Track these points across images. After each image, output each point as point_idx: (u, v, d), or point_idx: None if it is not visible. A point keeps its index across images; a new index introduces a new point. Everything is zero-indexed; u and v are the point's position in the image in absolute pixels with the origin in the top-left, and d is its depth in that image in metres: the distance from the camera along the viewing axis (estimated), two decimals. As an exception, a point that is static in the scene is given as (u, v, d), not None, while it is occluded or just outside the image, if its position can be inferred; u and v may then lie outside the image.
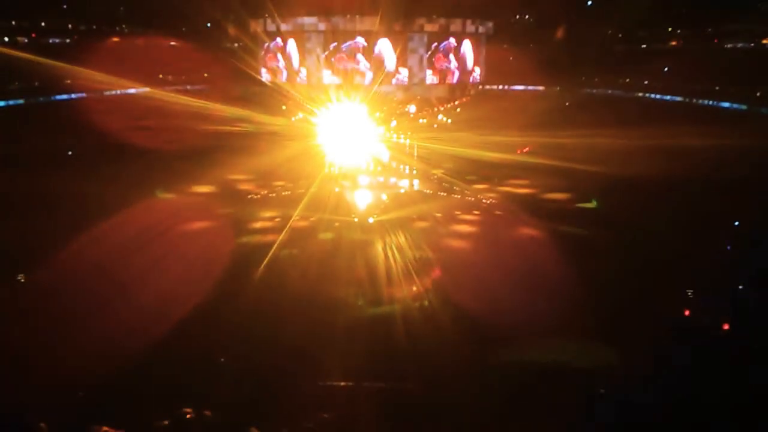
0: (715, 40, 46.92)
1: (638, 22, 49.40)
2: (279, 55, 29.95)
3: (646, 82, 49.59)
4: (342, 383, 14.26)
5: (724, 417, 11.32)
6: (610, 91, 51.65)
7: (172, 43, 58.37)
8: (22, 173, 26.68)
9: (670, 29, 51.01)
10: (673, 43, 51.34)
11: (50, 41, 47.70)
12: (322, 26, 27.94)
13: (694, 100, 44.53)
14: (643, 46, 54.06)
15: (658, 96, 48.06)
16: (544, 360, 15.52)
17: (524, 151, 27.62)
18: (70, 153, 35.91)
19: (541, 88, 58.89)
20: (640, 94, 49.45)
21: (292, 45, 29.15)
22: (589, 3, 52.97)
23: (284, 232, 25.96)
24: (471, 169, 35.72)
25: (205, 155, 34.78)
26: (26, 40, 45.43)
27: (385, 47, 27.82)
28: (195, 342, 16.18)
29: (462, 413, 11.96)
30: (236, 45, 58.93)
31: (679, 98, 45.78)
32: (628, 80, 50.69)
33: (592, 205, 31.39)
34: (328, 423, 10.46)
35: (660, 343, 16.05)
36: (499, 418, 11.64)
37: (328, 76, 28.41)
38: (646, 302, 18.79)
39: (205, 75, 58.51)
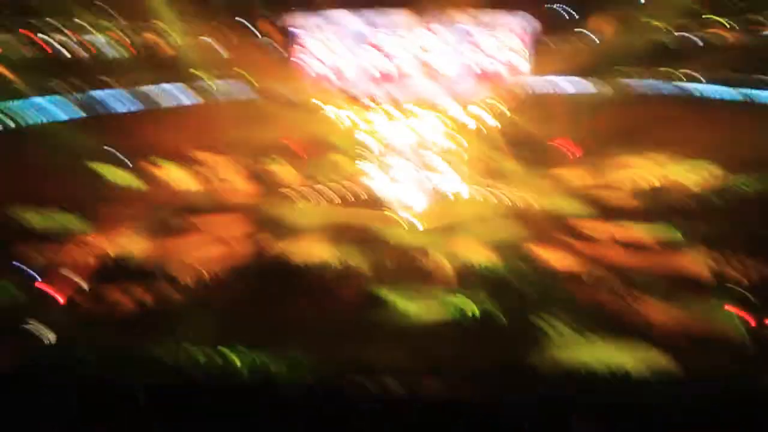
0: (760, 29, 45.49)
1: (679, 11, 48.06)
2: (309, 50, 29.65)
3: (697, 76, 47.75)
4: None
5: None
6: (658, 86, 50.07)
7: (204, 37, 58.79)
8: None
9: (711, 17, 49.44)
10: (715, 31, 49.73)
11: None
12: (350, 19, 27.64)
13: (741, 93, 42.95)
14: (693, 37, 52.30)
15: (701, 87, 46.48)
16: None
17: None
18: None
19: (587, 84, 57.14)
20: (684, 85, 47.99)
21: (321, 39, 28.91)
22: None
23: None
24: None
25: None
26: (64, 39, 46.07)
27: (424, 43, 27.45)
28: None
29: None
30: (269, 38, 59.32)
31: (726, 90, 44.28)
32: (677, 74, 49.03)
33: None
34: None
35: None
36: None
37: (359, 72, 28.10)
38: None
39: (237, 69, 58.68)
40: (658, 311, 19.31)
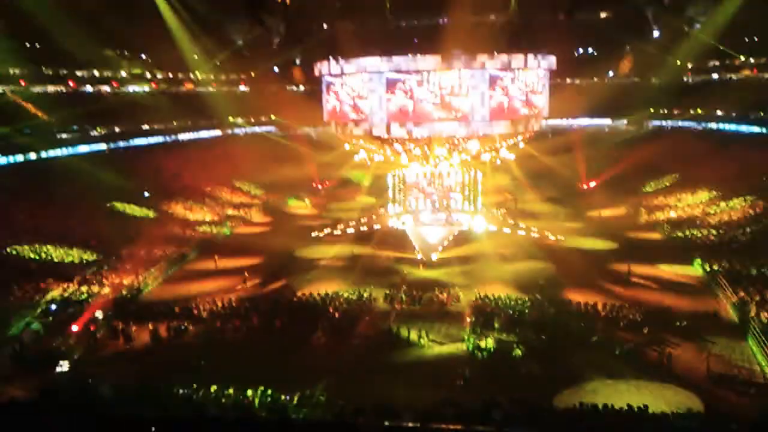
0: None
1: (708, 51, 47.69)
2: (336, 93, 30.29)
3: (719, 113, 47.25)
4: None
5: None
6: (680, 123, 49.69)
7: (242, 87, 60.62)
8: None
9: (742, 58, 48.84)
10: (746, 72, 49.08)
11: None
12: (382, 66, 28.16)
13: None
14: (714, 75, 51.90)
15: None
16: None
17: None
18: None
19: (607, 121, 57.22)
20: (706, 122, 47.29)
21: (353, 86, 29.53)
22: (655, 32, 51.62)
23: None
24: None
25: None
26: (108, 89, 47.93)
27: (445, 84, 27.87)
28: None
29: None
30: (301, 87, 60.83)
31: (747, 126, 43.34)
32: (699, 111, 48.57)
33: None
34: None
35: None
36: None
37: (383, 113, 28.56)
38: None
39: (262, 110, 59.84)
40: (682, 350, 18.66)
